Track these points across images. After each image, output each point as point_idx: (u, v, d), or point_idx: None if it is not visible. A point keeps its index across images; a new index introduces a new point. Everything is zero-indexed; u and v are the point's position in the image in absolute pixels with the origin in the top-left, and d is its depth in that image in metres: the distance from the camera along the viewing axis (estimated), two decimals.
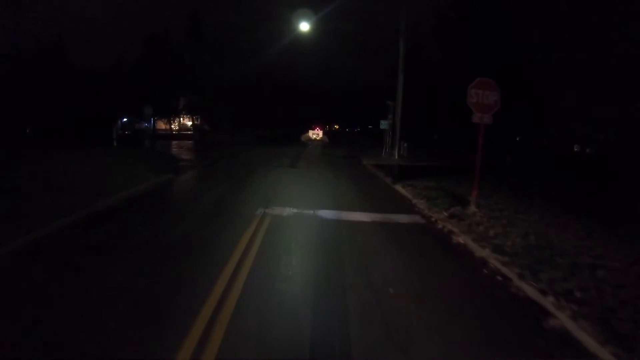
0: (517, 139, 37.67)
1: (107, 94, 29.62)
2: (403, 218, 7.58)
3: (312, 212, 7.47)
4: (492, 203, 8.98)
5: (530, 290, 4.45)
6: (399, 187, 10.73)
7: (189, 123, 47.59)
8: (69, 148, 18.61)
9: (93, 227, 6.20)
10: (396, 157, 19.37)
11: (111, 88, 30.91)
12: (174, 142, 31.14)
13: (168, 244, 5.33)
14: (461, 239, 6.47)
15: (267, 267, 4.61)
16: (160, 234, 5.77)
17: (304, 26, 19.17)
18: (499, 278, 4.93)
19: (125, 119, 40.97)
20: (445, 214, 7.81)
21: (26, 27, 24.58)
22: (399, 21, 18.54)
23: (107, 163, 13.62)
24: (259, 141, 37.53)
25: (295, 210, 7.49)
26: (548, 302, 4.15)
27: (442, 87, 31.00)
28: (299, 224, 6.61)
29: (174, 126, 49.41)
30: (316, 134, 45.28)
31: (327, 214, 7.39)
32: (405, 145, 20.41)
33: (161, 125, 45.65)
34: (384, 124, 24.64)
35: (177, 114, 46.64)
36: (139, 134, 39.58)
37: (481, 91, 7.78)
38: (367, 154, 21.98)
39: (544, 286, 4.48)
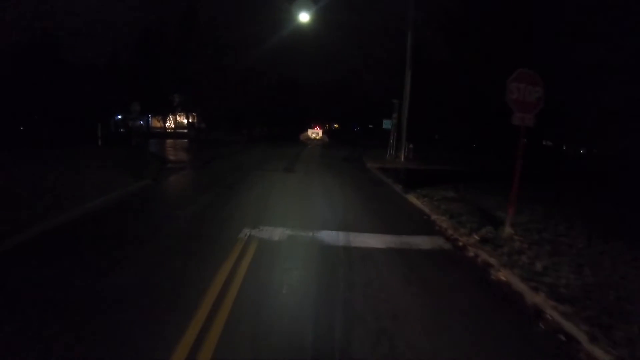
0: (525, 140, 36.13)
1: (91, 90, 28.12)
2: (424, 242, 6.08)
3: (310, 234, 5.96)
4: (526, 221, 7.47)
5: None
6: (412, 198, 9.22)
7: (186, 121, 46.03)
8: (47, 148, 17.11)
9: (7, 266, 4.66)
10: (402, 159, 17.87)
11: (97, 84, 29.39)
12: (167, 141, 29.61)
13: (101, 299, 3.78)
14: (502, 274, 4.99)
15: (240, 343, 3.09)
16: (102, 278, 4.18)
17: (304, 17, 17.62)
18: (562, 338, 3.54)
19: (119, 117, 39.53)
20: (476, 237, 6.30)
21: (12, 18, 23.23)
22: (407, 10, 17.01)
23: (81, 166, 12.11)
24: (256, 140, 36.03)
25: (289, 232, 5.97)
26: None
27: (447, 86, 29.56)
28: (293, 255, 5.09)
29: (170, 124, 47.84)
30: (316, 133, 43.70)
31: (330, 236, 5.88)
32: (411, 146, 18.90)
33: (157, 123, 44.07)
34: (387, 124, 23.18)
35: (173, 112, 45.09)
36: (133, 132, 38.05)
37: (523, 85, 6.27)
38: (370, 156, 20.47)
39: (624, 353, 3.24)
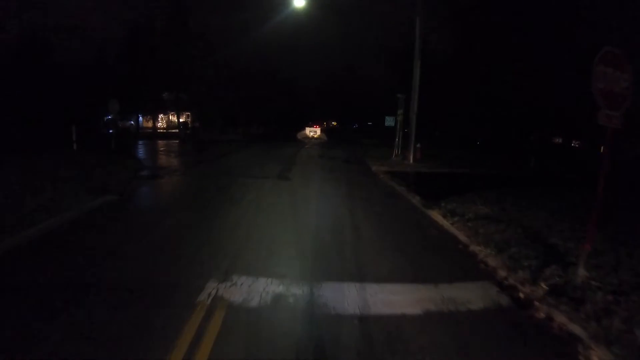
0: (532, 137, 34.19)
1: (75, 89, 26.14)
2: (472, 295, 4.16)
3: (307, 290, 4.03)
4: (597, 255, 5.54)
5: None
6: (437, 215, 7.28)
7: (181, 120, 43.97)
8: (13, 152, 15.15)
9: None
10: (411, 161, 15.93)
11: (82, 83, 27.43)
12: (157, 142, 27.60)
13: None
14: (596, 356, 3.18)
15: None
16: None
17: (299, 1, 15.66)
18: None
19: (109, 117, 37.68)
20: (544, 286, 4.40)
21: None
22: None
23: (38, 177, 10.17)
24: (251, 140, 34.02)
25: (275, 287, 4.03)
26: None
27: (453, 81, 27.68)
28: (279, 340, 3.17)
29: (161, 124, 45.83)
30: (314, 131, 41.65)
31: (336, 294, 3.94)
32: (419, 146, 16.93)
33: (150, 123, 42.08)
34: (390, 121, 21.30)
35: (163, 111, 43.09)
36: (122, 133, 36.08)
37: (610, 70, 4.34)
38: (374, 157, 18.51)
39: None
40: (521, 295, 4.32)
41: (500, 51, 23.49)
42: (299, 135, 41.06)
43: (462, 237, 6.07)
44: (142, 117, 41.70)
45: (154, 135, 36.55)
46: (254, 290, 3.97)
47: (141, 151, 20.39)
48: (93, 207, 7.39)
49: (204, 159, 16.70)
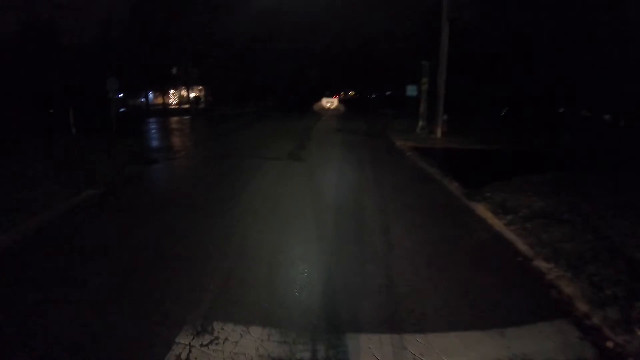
0: (561, 110, 31.39)
1: (79, 70, 24.92)
2: (547, 347, 2.84)
3: (322, 348, 2.77)
4: None
5: None
6: (486, 213, 5.80)
7: (192, 95, 42.59)
8: (8, 137, 14.26)
9: None
10: (439, 134, 14.28)
11: (85, 63, 26.14)
12: (165, 120, 26.50)
13: None
14: None
15: None
16: None
17: None
18: None
19: (120, 95, 36.69)
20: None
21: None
22: None
23: (23, 166, 9.15)
24: (265, 113, 32.52)
25: (273, 346, 2.77)
26: None
27: (477, 48, 25.18)
28: None
29: (172, 100, 44.63)
30: (331, 101, 39.75)
31: (365, 357, 2.69)
32: (445, 117, 15.15)
33: (160, 99, 40.91)
34: (412, 90, 19.46)
35: (174, 87, 41.80)
36: (134, 111, 34.99)
37: None
38: (397, 129, 16.88)
39: None
40: (609, 344, 2.98)
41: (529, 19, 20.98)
42: (316, 107, 39.29)
43: (521, 245, 4.66)
44: (153, 93, 40.53)
45: (165, 111, 35.46)
46: (241, 351, 2.72)
47: (147, 130, 19.32)
48: (71, 206, 6.25)
49: (210, 137, 15.50)
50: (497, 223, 5.33)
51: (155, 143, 14.38)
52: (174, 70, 36.96)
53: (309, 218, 5.50)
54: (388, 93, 55.81)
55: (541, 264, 4.21)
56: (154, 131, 19.06)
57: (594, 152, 13.44)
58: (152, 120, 25.58)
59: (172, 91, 41.74)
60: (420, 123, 15.70)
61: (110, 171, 8.79)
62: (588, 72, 21.67)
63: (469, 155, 11.27)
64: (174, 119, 27.22)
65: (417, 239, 4.81)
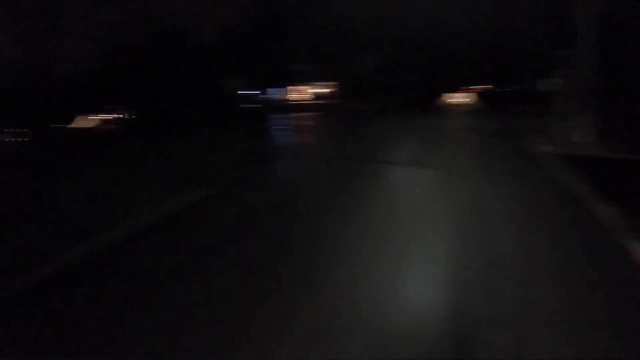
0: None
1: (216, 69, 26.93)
2: None
3: None
4: None
5: None
6: None
7: (326, 90, 43.13)
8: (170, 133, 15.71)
9: None
10: (593, 138, 10.64)
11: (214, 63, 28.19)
12: (293, 116, 27.10)
13: None
14: None
15: None
16: None
17: None
18: None
19: (256, 91, 39.31)
20: None
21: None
22: None
23: (158, 161, 9.64)
24: (387, 109, 30.74)
25: None
26: None
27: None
28: None
29: (307, 95, 46.00)
30: (462, 97, 35.67)
31: None
32: (600, 116, 11.26)
33: (295, 94, 42.48)
34: (545, 84, 15.56)
35: (306, 83, 43.06)
36: (268, 106, 37.10)
37: None
38: (534, 130, 13.37)
39: None
40: None
41: None
42: (442, 102, 35.78)
43: None
44: (288, 90, 42.34)
45: (298, 106, 36.50)
46: None
47: (273, 127, 19.67)
48: (170, 212, 5.86)
49: (334, 134, 14.67)
50: None
51: (275, 140, 14.24)
52: (306, 68, 37.99)
53: (446, 258, 3.86)
54: (517, 87, 47.77)
55: None
56: (279, 128, 19.29)
57: None
58: (281, 115, 26.34)
59: (306, 87, 43.00)
60: (561, 123, 12.07)
61: (222, 171, 8.54)
62: None
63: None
64: (304, 114, 27.62)
65: (573, 327, 2.76)
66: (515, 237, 4.25)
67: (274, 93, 39.88)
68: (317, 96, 38.76)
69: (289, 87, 41.35)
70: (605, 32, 11.43)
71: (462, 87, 40.93)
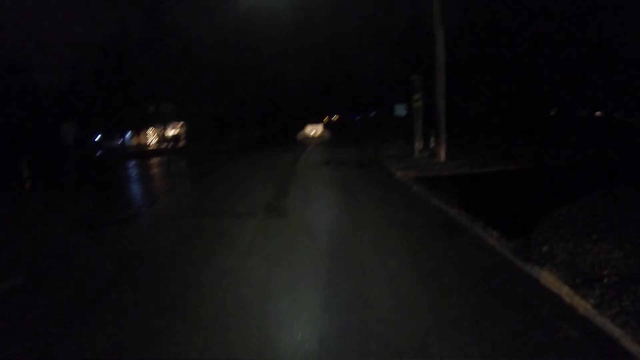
0: (552, 113, 30.06)
1: (53, 112, 23.05)
2: None
3: None
4: None
5: None
6: (555, 283, 3.87)
7: (171, 133, 40.53)
8: None
9: None
10: (442, 158, 12.64)
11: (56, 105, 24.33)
12: (139, 162, 24.48)
13: None
14: None
15: None
16: None
17: None
18: None
19: (99, 137, 34.94)
20: None
21: None
22: None
23: None
24: (244, 147, 30.72)
25: None
26: None
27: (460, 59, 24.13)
28: None
29: (151, 139, 42.60)
30: (315, 129, 38.03)
31: None
32: (445, 137, 13.57)
33: (139, 139, 38.80)
34: (400, 109, 18.17)
35: (151, 125, 40.02)
36: (111, 154, 32.85)
37: None
38: (392, 155, 15.18)
39: None
40: None
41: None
42: (299, 136, 37.51)
43: (632, 346, 2.85)
44: (130, 134, 38.58)
45: (141, 153, 33.31)
46: None
47: (114, 177, 17.33)
48: None
49: (175, 185, 13.56)
50: (582, 305, 3.50)
51: (116, 195, 12.42)
52: (151, 109, 35.42)
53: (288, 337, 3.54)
54: (373, 114, 54.66)
55: None
56: (120, 178, 17.09)
57: (610, 155, 12.15)
58: (124, 165, 23.53)
59: (150, 130, 39.82)
60: (417, 146, 14.09)
61: (44, 244, 6.86)
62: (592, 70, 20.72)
63: (488, 181, 9.57)
64: (149, 161, 25.25)
65: None
66: (412, 294, 4.28)
67: (118, 138, 35.95)
68: (164, 139, 36.23)
69: (133, 131, 37.77)
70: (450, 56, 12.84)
71: (320, 119, 43.74)
